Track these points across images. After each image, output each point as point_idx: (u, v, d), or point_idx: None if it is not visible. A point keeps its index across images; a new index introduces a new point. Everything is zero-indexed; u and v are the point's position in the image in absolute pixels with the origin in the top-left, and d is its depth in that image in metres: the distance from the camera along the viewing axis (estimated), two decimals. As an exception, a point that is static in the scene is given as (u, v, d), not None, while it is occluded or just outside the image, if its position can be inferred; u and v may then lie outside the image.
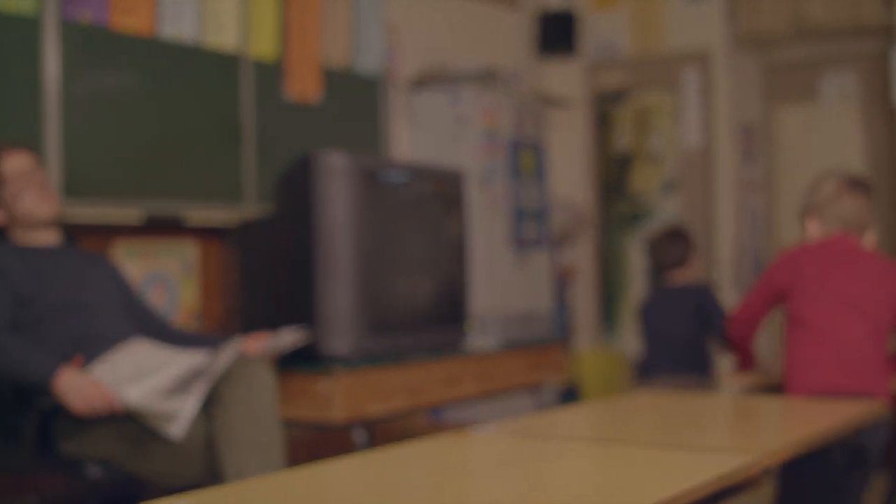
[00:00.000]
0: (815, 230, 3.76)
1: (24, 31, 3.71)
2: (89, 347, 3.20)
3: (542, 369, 4.87)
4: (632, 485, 2.08)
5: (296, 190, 3.85)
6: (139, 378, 3.05)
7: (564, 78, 6.83)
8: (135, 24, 4.07)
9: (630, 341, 6.50)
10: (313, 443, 4.26)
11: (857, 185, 3.73)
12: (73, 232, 3.64)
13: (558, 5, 6.73)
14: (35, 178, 3.36)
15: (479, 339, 4.92)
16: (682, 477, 2.09)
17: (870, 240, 3.76)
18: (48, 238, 3.39)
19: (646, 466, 2.24)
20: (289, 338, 3.52)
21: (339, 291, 3.80)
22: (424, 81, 5.55)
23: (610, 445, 2.53)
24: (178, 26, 4.24)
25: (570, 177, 6.81)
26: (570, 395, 6.34)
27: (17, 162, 3.35)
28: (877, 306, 3.60)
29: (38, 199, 3.34)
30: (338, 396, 3.70)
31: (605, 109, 6.76)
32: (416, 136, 5.54)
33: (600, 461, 2.35)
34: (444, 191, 4.35)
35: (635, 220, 6.66)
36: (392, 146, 5.34)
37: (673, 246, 4.81)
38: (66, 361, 3.06)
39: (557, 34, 6.67)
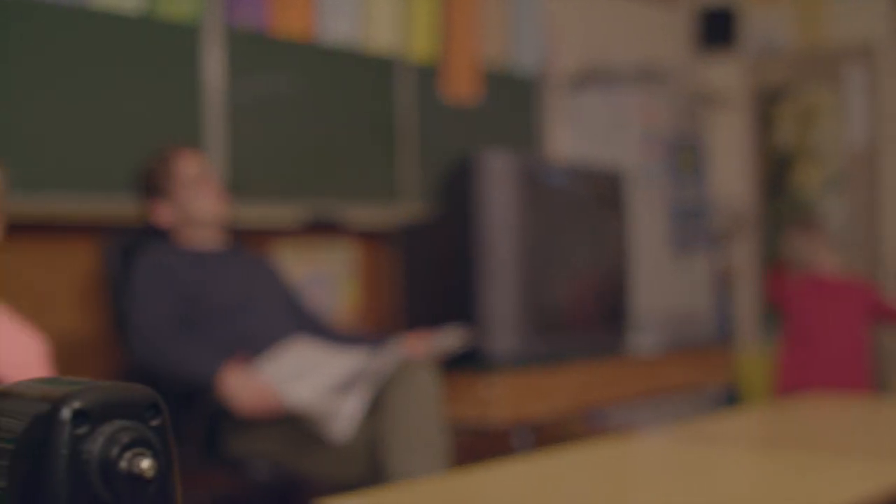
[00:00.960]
0: None
1: (185, 37, 3.78)
2: (253, 347, 3.23)
3: (703, 372, 4.79)
4: (801, 493, 2.02)
5: (458, 191, 3.86)
6: (302, 377, 3.07)
7: (724, 75, 6.71)
8: (294, 28, 4.12)
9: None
10: (474, 444, 4.25)
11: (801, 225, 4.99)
12: (236, 233, 3.70)
13: (718, 0, 6.61)
14: (210, 179, 3.41)
15: (640, 340, 4.86)
16: (853, 485, 2.02)
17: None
18: (214, 240, 3.44)
19: (815, 474, 2.17)
20: (450, 339, 3.51)
21: (502, 292, 3.79)
22: (582, 80, 5.51)
23: (778, 452, 2.46)
24: (337, 30, 4.28)
25: (730, 175, 6.69)
26: (731, 398, 6.22)
27: (192, 163, 3.41)
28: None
29: (213, 200, 3.39)
30: (499, 398, 3.69)
31: (766, 106, 6.63)
32: (573, 135, 5.50)
33: (768, 468, 2.29)
34: (605, 191, 4.31)
35: (798, 219, 6.51)
36: (549, 146, 5.31)
37: None
38: (231, 361, 3.10)
39: (717, 30, 6.56)
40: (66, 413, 0.78)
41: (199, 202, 3.36)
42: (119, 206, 3.54)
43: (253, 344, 3.24)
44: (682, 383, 4.63)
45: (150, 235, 3.40)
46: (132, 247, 3.35)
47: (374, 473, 3.03)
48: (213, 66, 3.84)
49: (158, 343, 3.08)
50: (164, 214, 3.38)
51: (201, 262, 3.35)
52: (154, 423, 0.81)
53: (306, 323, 3.51)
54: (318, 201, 4.15)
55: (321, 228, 4.27)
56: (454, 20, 4.74)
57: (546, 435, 4.39)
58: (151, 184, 3.40)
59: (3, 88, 3.29)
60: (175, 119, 3.75)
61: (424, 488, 2.18)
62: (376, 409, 3.05)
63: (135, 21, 3.63)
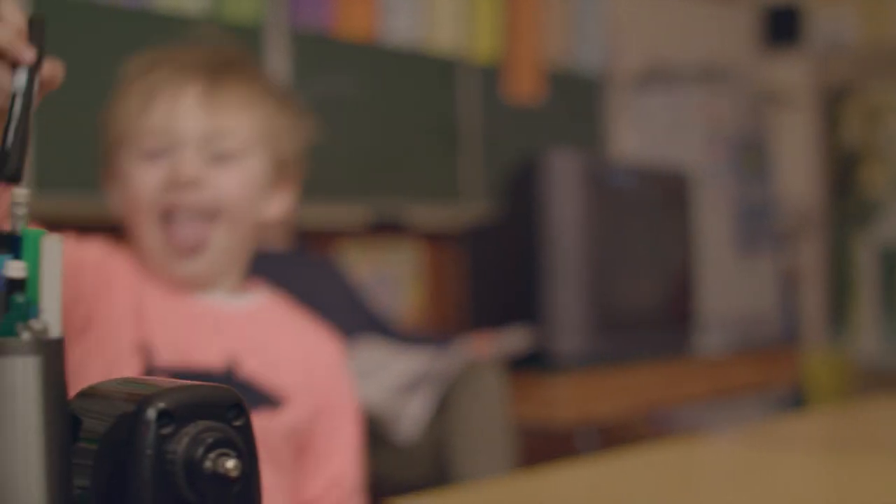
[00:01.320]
0: None
1: (248, 38, 3.80)
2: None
3: (770, 373, 4.75)
4: (870, 498, 1.99)
5: (523, 191, 3.86)
6: (367, 377, 3.08)
7: (789, 73, 6.64)
8: (357, 29, 4.14)
9: (865, 344, 6.28)
10: (538, 445, 4.25)
11: None
12: (300, 234, 3.71)
13: (781, -2, 6.56)
14: None
15: (706, 341, 4.83)
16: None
17: None
18: (279, 240, 3.46)
19: (885, 478, 2.14)
20: (515, 340, 3.51)
21: (567, 292, 3.78)
22: (645, 80, 5.48)
23: (847, 455, 2.43)
24: (400, 31, 4.29)
25: (795, 175, 6.63)
26: (797, 399, 6.17)
27: None
28: None
29: None
30: (564, 398, 3.68)
31: (831, 104, 6.56)
32: (636, 135, 5.47)
33: (837, 471, 2.26)
34: (670, 191, 4.30)
35: (865, 219, 6.44)
36: (613, 145, 5.29)
37: None
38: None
39: (782, 28, 6.50)
40: (151, 413, 0.79)
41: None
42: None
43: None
44: (747, 384, 4.59)
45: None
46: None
47: (439, 474, 3.03)
48: (277, 68, 3.86)
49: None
50: None
51: (267, 264, 3.37)
52: (237, 423, 0.82)
53: (371, 323, 3.51)
54: (383, 202, 4.16)
55: (385, 229, 4.28)
56: (518, 20, 4.73)
57: (611, 436, 4.38)
58: None
59: (70, 91, 3.32)
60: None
61: (490, 489, 2.17)
62: (442, 410, 3.05)
63: (198, 23, 3.66)
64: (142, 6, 3.52)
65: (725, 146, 5.45)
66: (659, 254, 4.25)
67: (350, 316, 3.45)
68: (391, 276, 4.34)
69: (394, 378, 3.06)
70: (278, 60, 3.86)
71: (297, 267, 3.44)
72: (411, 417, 3.00)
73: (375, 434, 3.07)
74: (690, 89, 5.33)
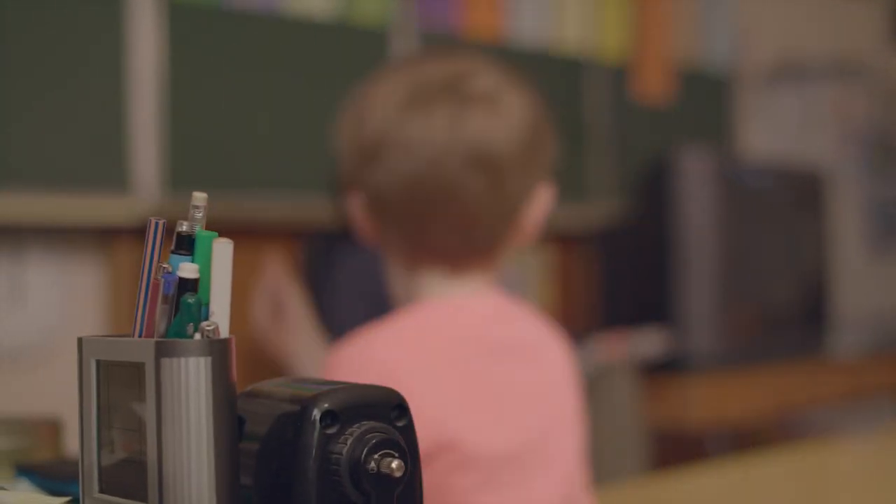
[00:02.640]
0: None
1: (376, 41, 3.84)
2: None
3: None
4: None
5: (655, 190, 3.85)
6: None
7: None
8: (484, 29, 4.15)
9: None
10: (669, 447, 4.23)
11: None
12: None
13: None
14: None
15: (839, 342, 4.75)
16: None
17: None
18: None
19: None
20: (648, 344, 3.48)
21: (700, 293, 3.76)
22: (775, 76, 5.41)
23: None
24: (526, 31, 4.29)
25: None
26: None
27: None
28: None
29: None
30: (695, 399, 3.65)
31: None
32: (767, 132, 5.40)
33: None
34: (802, 190, 4.24)
35: None
36: (742, 143, 5.22)
37: None
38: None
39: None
40: (316, 413, 0.80)
41: None
42: (313, 208, 3.61)
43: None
44: (882, 385, 4.51)
45: (345, 239, 3.45)
46: (330, 249, 3.40)
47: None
48: (407, 70, 3.89)
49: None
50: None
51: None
52: (400, 423, 0.83)
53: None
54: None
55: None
56: (646, 18, 4.70)
57: (743, 439, 4.33)
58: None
59: (206, 97, 3.39)
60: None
61: (622, 493, 2.17)
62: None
63: (327, 27, 3.70)
64: (270, 10, 3.57)
65: (858, 143, 5.36)
66: (792, 253, 4.21)
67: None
68: (521, 276, 4.34)
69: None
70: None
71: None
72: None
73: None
74: (822, 85, 5.24)
